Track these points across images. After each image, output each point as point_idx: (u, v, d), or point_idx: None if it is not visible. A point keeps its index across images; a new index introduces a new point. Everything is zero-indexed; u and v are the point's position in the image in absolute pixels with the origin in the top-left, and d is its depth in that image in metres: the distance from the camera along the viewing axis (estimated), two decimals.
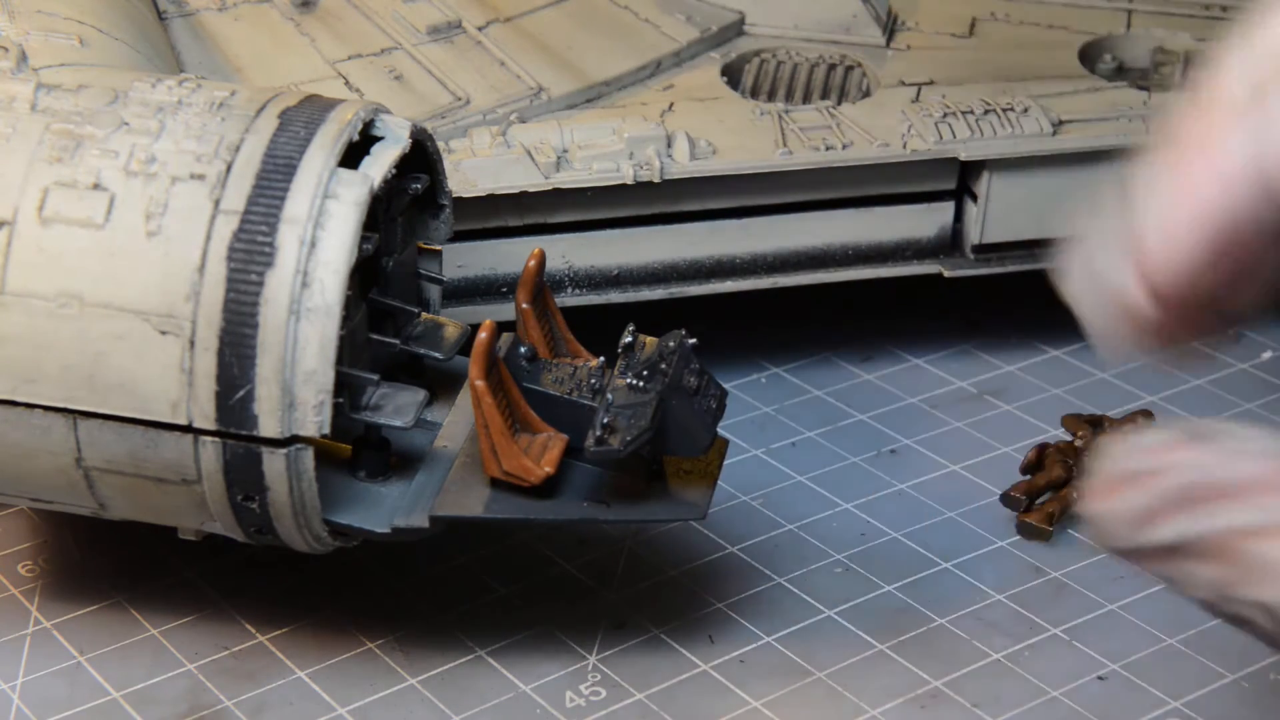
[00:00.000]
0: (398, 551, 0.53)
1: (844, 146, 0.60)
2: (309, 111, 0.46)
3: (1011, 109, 0.61)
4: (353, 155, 0.46)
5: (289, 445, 0.44)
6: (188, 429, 0.44)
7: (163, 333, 0.44)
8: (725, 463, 0.49)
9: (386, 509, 0.47)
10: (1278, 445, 0.27)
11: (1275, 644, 0.27)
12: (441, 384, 0.51)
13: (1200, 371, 0.64)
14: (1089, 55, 0.67)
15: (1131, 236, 0.29)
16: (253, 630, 0.51)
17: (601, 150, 0.58)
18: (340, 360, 0.44)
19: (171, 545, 0.52)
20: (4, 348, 0.45)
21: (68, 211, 0.44)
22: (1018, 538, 0.55)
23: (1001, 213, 0.62)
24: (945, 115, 0.61)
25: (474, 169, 0.57)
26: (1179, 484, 0.27)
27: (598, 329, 0.52)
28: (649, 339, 0.49)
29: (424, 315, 0.51)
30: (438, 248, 0.52)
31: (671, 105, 0.62)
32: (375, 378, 0.47)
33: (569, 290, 0.60)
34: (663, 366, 0.47)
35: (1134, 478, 0.28)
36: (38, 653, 0.50)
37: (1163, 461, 0.28)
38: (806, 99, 0.64)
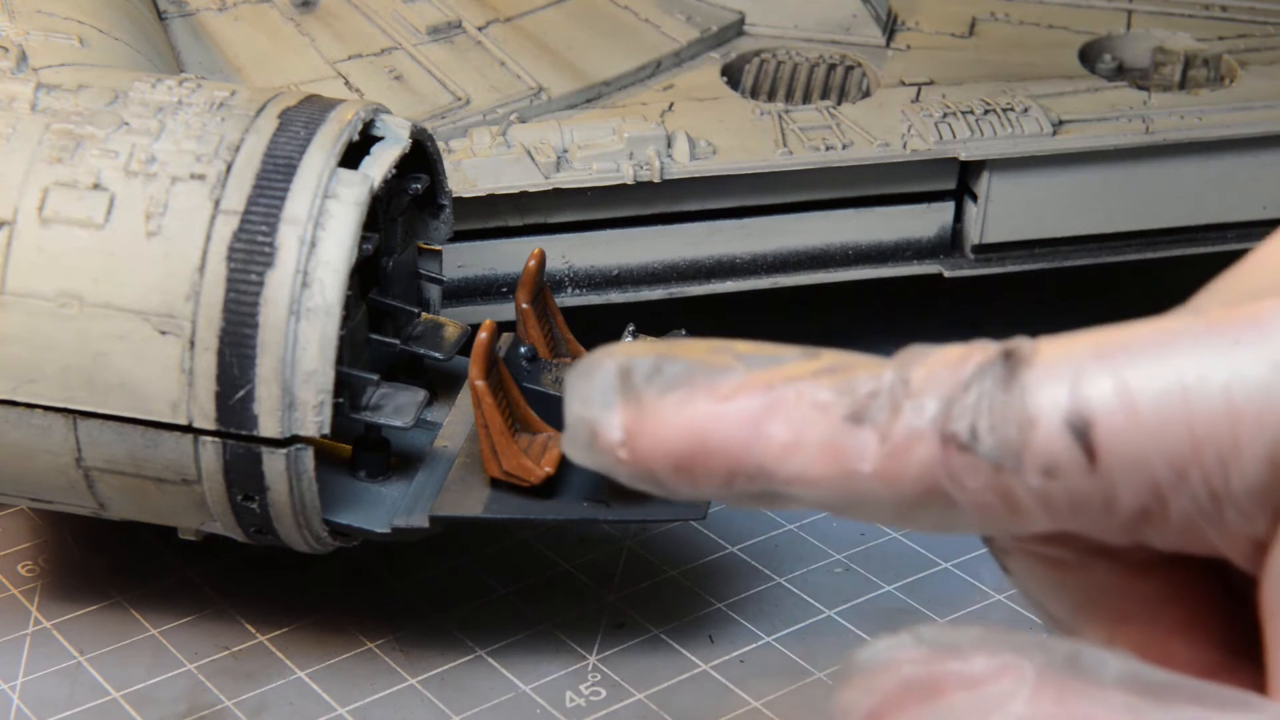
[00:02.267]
0: (398, 551, 0.53)
1: (844, 146, 0.60)
2: (309, 111, 0.46)
3: (1011, 109, 0.61)
4: (353, 155, 0.46)
5: (289, 445, 0.44)
6: (188, 429, 0.44)
7: (163, 333, 0.44)
8: None
9: (386, 509, 0.47)
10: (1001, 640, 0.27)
11: None
12: (441, 384, 0.51)
13: None
14: (1089, 55, 0.67)
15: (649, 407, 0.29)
16: (253, 630, 0.51)
17: (601, 150, 0.58)
18: (340, 360, 0.44)
19: (171, 545, 0.52)
20: (4, 348, 0.45)
21: (68, 211, 0.44)
22: None
23: (1001, 213, 0.62)
24: (945, 115, 0.61)
25: (474, 169, 0.57)
26: (903, 682, 0.27)
27: (598, 329, 0.52)
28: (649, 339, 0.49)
29: (424, 315, 0.51)
30: (438, 248, 0.52)
31: (671, 105, 0.62)
32: (375, 378, 0.47)
33: (569, 290, 0.60)
34: None
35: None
36: (38, 653, 0.50)
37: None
38: (806, 99, 0.64)
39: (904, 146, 0.60)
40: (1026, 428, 0.26)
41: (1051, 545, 0.28)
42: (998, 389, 0.26)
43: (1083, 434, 0.26)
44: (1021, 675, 0.25)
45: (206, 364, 0.44)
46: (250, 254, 0.44)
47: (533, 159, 0.58)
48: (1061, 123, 0.61)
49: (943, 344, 0.27)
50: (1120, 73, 0.67)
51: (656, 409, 0.28)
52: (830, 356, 0.28)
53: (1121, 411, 0.25)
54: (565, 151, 0.58)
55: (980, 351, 0.27)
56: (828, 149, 0.60)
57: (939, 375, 0.27)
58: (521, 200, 0.58)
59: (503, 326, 0.47)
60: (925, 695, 0.26)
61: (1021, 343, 0.27)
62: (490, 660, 0.50)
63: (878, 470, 0.27)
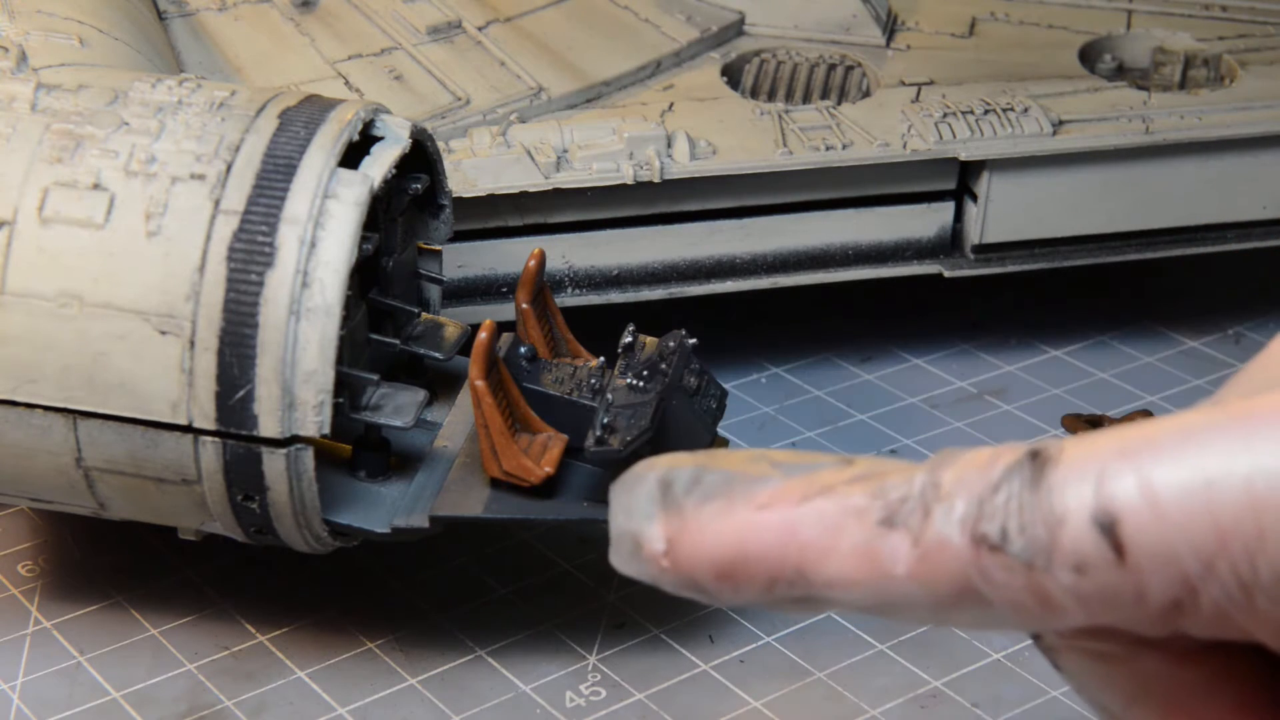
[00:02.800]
0: (398, 551, 0.53)
1: (844, 146, 0.60)
2: (309, 111, 0.46)
3: (1011, 109, 0.61)
4: (353, 155, 0.46)
5: (289, 445, 0.44)
6: (188, 429, 0.44)
7: (163, 333, 0.44)
8: None
9: (386, 509, 0.47)
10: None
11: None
12: (441, 384, 0.51)
13: (1200, 372, 0.64)
14: (1089, 55, 0.67)
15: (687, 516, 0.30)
16: (253, 630, 0.51)
17: (601, 150, 0.58)
18: (340, 360, 0.44)
19: (171, 545, 0.52)
20: (4, 348, 0.45)
21: (68, 211, 0.44)
22: None
23: (1001, 213, 0.62)
24: (945, 115, 0.61)
25: (474, 169, 0.57)
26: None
27: (598, 329, 0.52)
28: (649, 339, 0.49)
29: (424, 315, 0.51)
30: (438, 248, 0.52)
31: (671, 105, 0.62)
32: (375, 378, 0.47)
33: (569, 290, 0.60)
34: (663, 366, 0.47)
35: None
36: (38, 653, 0.50)
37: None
38: (806, 99, 0.64)
39: (904, 146, 0.60)
40: (1055, 526, 0.27)
41: (1097, 640, 0.29)
42: (1026, 490, 0.27)
43: (1110, 530, 0.26)
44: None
45: (206, 364, 0.44)
46: (250, 254, 0.44)
47: (533, 159, 0.58)
48: (1061, 123, 0.61)
49: (972, 447, 0.29)
50: (1120, 73, 0.67)
51: (697, 519, 0.29)
52: (864, 464, 0.29)
53: (1146, 507, 0.26)
54: (565, 151, 0.58)
55: (1009, 453, 0.28)
56: (828, 149, 0.60)
57: (968, 478, 0.28)
58: (521, 200, 0.58)
59: (503, 326, 0.47)
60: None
61: (1048, 444, 0.28)
62: (490, 660, 0.50)
63: (912, 572, 0.28)
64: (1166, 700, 0.29)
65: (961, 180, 0.62)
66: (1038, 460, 0.27)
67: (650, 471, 0.30)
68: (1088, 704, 0.30)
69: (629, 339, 0.48)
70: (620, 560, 0.31)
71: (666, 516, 0.30)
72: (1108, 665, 0.29)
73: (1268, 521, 0.25)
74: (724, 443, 0.49)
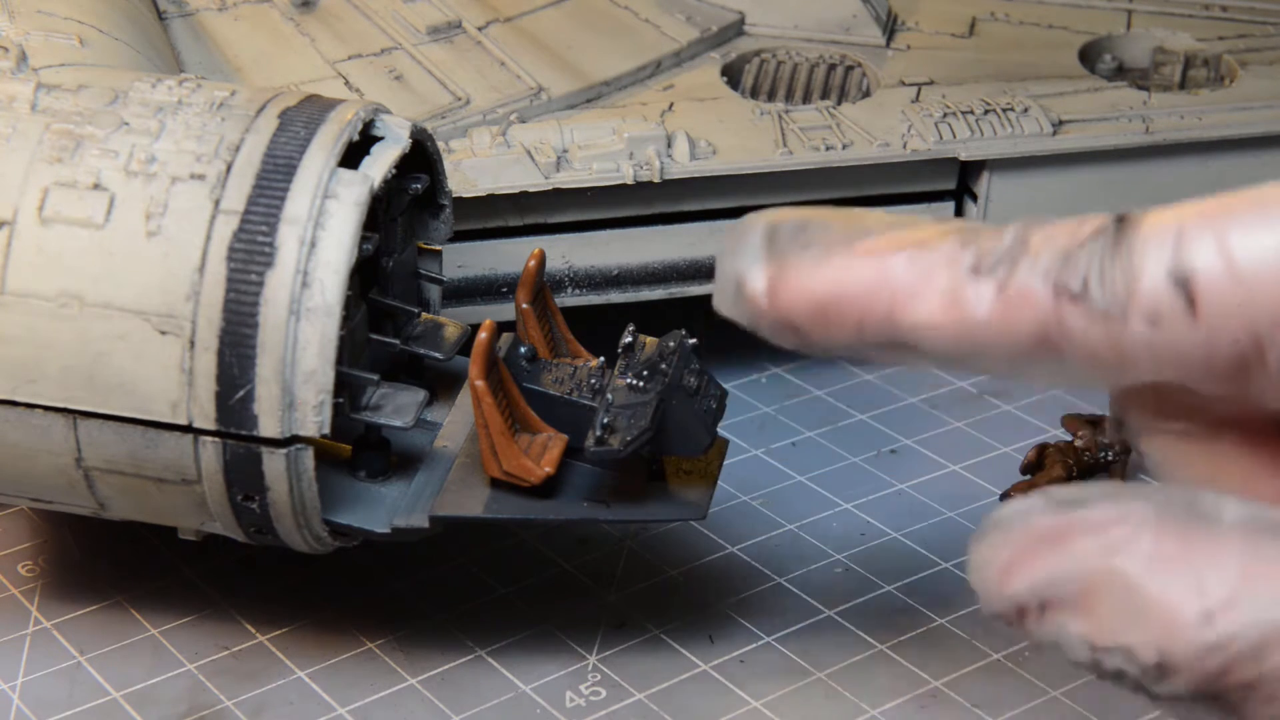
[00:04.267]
0: (398, 551, 0.53)
1: (844, 146, 0.60)
2: (309, 111, 0.46)
3: (1011, 109, 0.61)
4: (353, 155, 0.46)
5: (289, 445, 0.44)
6: (188, 429, 0.44)
7: (163, 333, 0.44)
8: (725, 463, 0.49)
9: (386, 509, 0.47)
10: (1124, 493, 0.29)
11: (1146, 695, 0.29)
12: (441, 384, 0.51)
13: None
14: (1089, 55, 0.67)
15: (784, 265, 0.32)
16: (253, 630, 0.51)
17: (601, 150, 0.58)
18: (340, 360, 0.44)
19: (171, 545, 0.52)
20: (4, 348, 0.45)
21: (68, 211, 0.44)
22: None
23: (1001, 213, 0.62)
24: (945, 115, 0.61)
25: (474, 169, 0.57)
26: (1034, 533, 0.29)
27: (598, 329, 0.52)
28: (649, 339, 0.49)
29: (424, 315, 0.51)
30: (438, 248, 0.52)
31: (671, 105, 0.62)
32: (375, 378, 0.47)
33: (569, 290, 0.60)
34: (663, 366, 0.47)
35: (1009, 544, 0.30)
36: (38, 653, 0.50)
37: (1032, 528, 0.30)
38: (806, 99, 0.64)
39: (904, 146, 0.60)
40: (1133, 279, 0.28)
41: (1180, 420, 0.30)
42: (1109, 247, 0.28)
43: (1185, 285, 0.28)
44: (1144, 519, 0.27)
45: (206, 364, 0.44)
46: (250, 254, 0.44)
47: (533, 159, 0.58)
48: (1061, 123, 0.61)
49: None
50: (1120, 73, 0.67)
51: (798, 263, 0.31)
52: (959, 222, 0.30)
53: (1220, 264, 0.27)
54: (565, 151, 0.58)
55: (1096, 219, 0.29)
56: (828, 149, 0.60)
57: (1055, 237, 0.29)
58: (521, 200, 0.58)
59: (503, 326, 0.47)
60: (1055, 543, 0.28)
61: (1133, 211, 0.29)
62: (490, 660, 0.50)
63: (995, 317, 0.29)
64: (1244, 476, 0.30)
65: (961, 180, 0.62)
66: (1123, 223, 0.29)
67: (759, 219, 0.31)
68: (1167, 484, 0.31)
69: (629, 339, 0.48)
70: (723, 302, 0.32)
71: (770, 259, 0.31)
72: (1189, 444, 0.30)
73: None
74: (724, 443, 0.49)
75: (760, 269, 0.31)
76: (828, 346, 0.31)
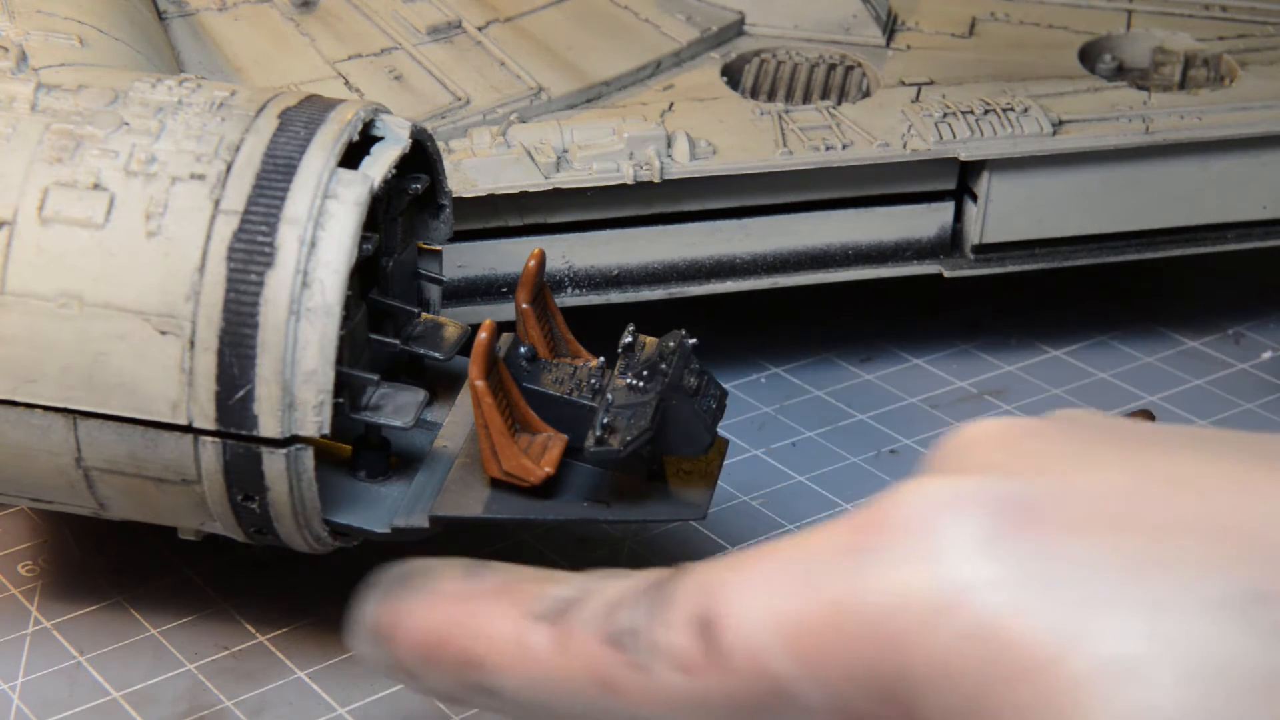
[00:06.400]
0: (398, 551, 0.53)
1: (844, 146, 0.60)
2: (309, 111, 0.46)
3: (1011, 109, 0.61)
4: (353, 155, 0.46)
5: (289, 445, 0.44)
6: (188, 429, 0.44)
7: (163, 333, 0.44)
8: (725, 463, 0.49)
9: (386, 509, 0.47)
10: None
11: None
12: (441, 384, 0.51)
13: (1200, 372, 0.64)
14: (1089, 55, 0.67)
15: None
16: (253, 630, 0.51)
17: (601, 150, 0.58)
18: (340, 360, 0.44)
19: (171, 545, 0.52)
20: (4, 348, 0.45)
21: (68, 211, 0.44)
22: None
23: (1001, 213, 0.62)
24: (945, 115, 0.61)
25: (474, 169, 0.57)
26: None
27: (598, 329, 0.52)
28: (649, 339, 0.49)
29: (424, 315, 0.51)
30: (438, 248, 0.52)
31: (671, 105, 0.62)
32: (375, 378, 0.47)
33: (569, 290, 0.60)
34: (663, 366, 0.47)
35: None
36: (38, 653, 0.50)
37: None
38: (806, 99, 0.64)
39: (904, 146, 0.60)
40: (665, 629, 0.29)
41: None
42: (654, 598, 0.30)
43: (707, 631, 0.29)
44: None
45: (206, 364, 0.44)
46: (250, 254, 0.44)
47: (533, 159, 0.58)
48: (1061, 123, 0.61)
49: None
50: (1120, 73, 0.67)
51: (408, 606, 0.34)
52: (565, 575, 0.32)
53: (739, 612, 0.28)
54: (565, 151, 0.58)
55: (657, 574, 0.30)
56: (828, 149, 0.60)
57: (614, 588, 0.31)
58: (521, 200, 0.58)
59: (503, 326, 0.47)
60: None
61: (689, 565, 0.30)
62: None
63: (551, 665, 0.30)
64: None
65: (961, 180, 0.62)
66: (672, 575, 0.30)
67: (389, 567, 0.35)
68: None
69: (629, 339, 0.48)
70: (360, 647, 0.36)
71: (385, 601, 0.35)
72: None
73: (845, 634, 0.27)
74: (724, 443, 0.49)
75: (377, 611, 0.34)
76: (440, 691, 0.33)
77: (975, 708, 0.26)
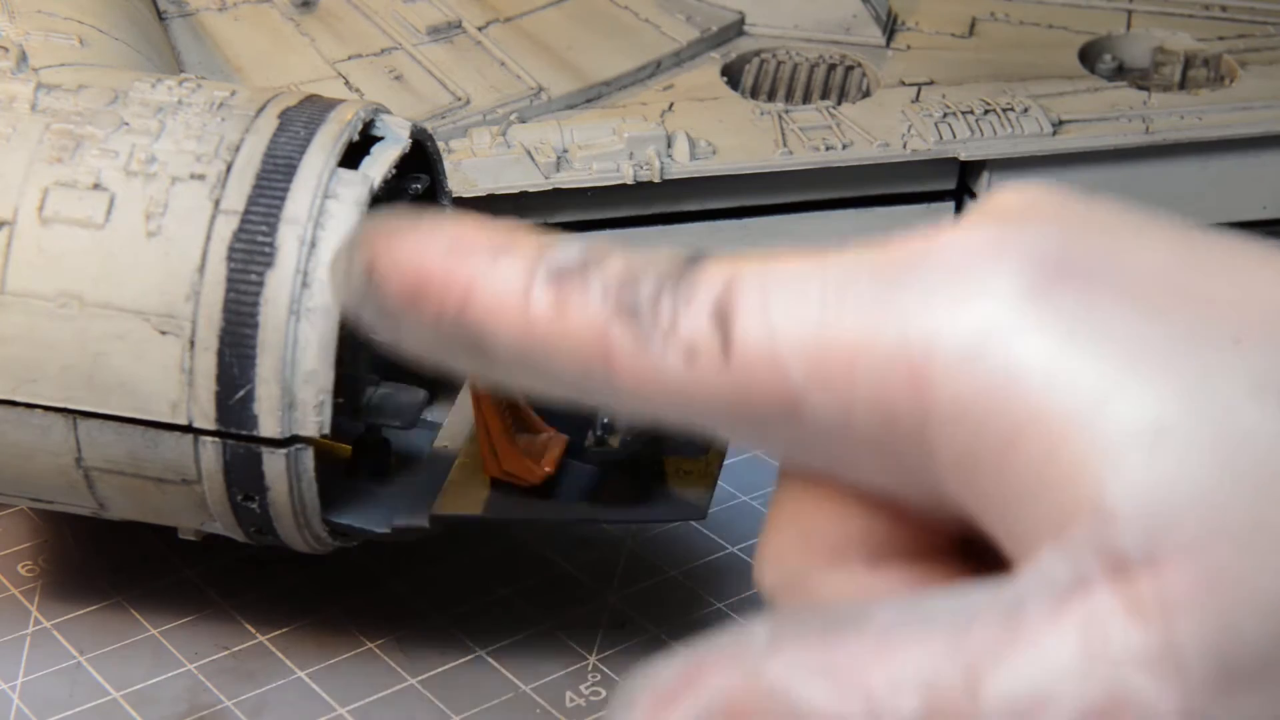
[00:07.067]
0: (398, 551, 0.53)
1: (844, 146, 0.60)
2: (309, 111, 0.46)
3: (1011, 109, 0.61)
4: (353, 155, 0.46)
5: (289, 445, 0.44)
6: (188, 429, 0.44)
7: (163, 333, 0.44)
8: (725, 463, 0.49)
9: (386, 509, 0.47)
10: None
11: None
12: (441, 384, 0.51)
13: None
14: (1089, 55, 0.67)
15: None
16: (253, 630, 0.51)
17: (601, 150, 0.58)
18: (340, 360, 0.44)
19: (171, 545, 0.52)
20: (4, 348, 0.45)
21: (68, 211, 0.44)
22: None
23: None
24: (945, 115, 0.61)
25: (474, 169, 0.57)
26: (664, 684, 0.29)
27: None
28: None
29: None
30: None
31: (671, 105, 0.62)
32: (375, 378, 0.47)
33: None
34: None
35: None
36: (38, 653, 0.50)
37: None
38: (806, 99, 0.64)
39: (904, 146, 0.60)
40: (680, 313, 0.27)
41: (834, 561, 0.29)
42: (673, 278, 0.27)
43: (723, 328, 0.27)
44: (773, 634, 0.28)
45: (206, 364, 0.44)
46: (250, 254, 0.44)
47: (533, 159, 0.58)
48: (1061, 123, 0.61)
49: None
50: (1120, 73, 0.67)
51: (398, 237, 0.29)
52: (563, 236, 0.29)
53: (758, 317, 0.26)
54: (565, 151, 0.58)
55: (678, 253, 0.28)
56: (828, 149, 0.60)
57: (632, 260, 0.28)
58: (521, 200, 0.58)
59: None
60: (689, 685, 0.29)
61: (712, 251, 0.28)
62: (490, 660, 0.50)
63: (551, 323, 0.28)
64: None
65: (961, 180, 0.62)
66: (694, 260, 0.28)
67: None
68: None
69: None
70: (335, 281, 0.30)
71: (375, 233, 0.30)
72: (850, 590, 0.29)
73: (861, 361, 0.26)
74: (724, 443, 0.49)
75: (365, 237, 0.30)
76: (414, 339, 0.29)
77: (991, 457, 0.25)
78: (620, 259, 0.28)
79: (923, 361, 0.25)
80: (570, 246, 0.28)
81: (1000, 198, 0.28)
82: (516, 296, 0.28)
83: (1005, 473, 0.25)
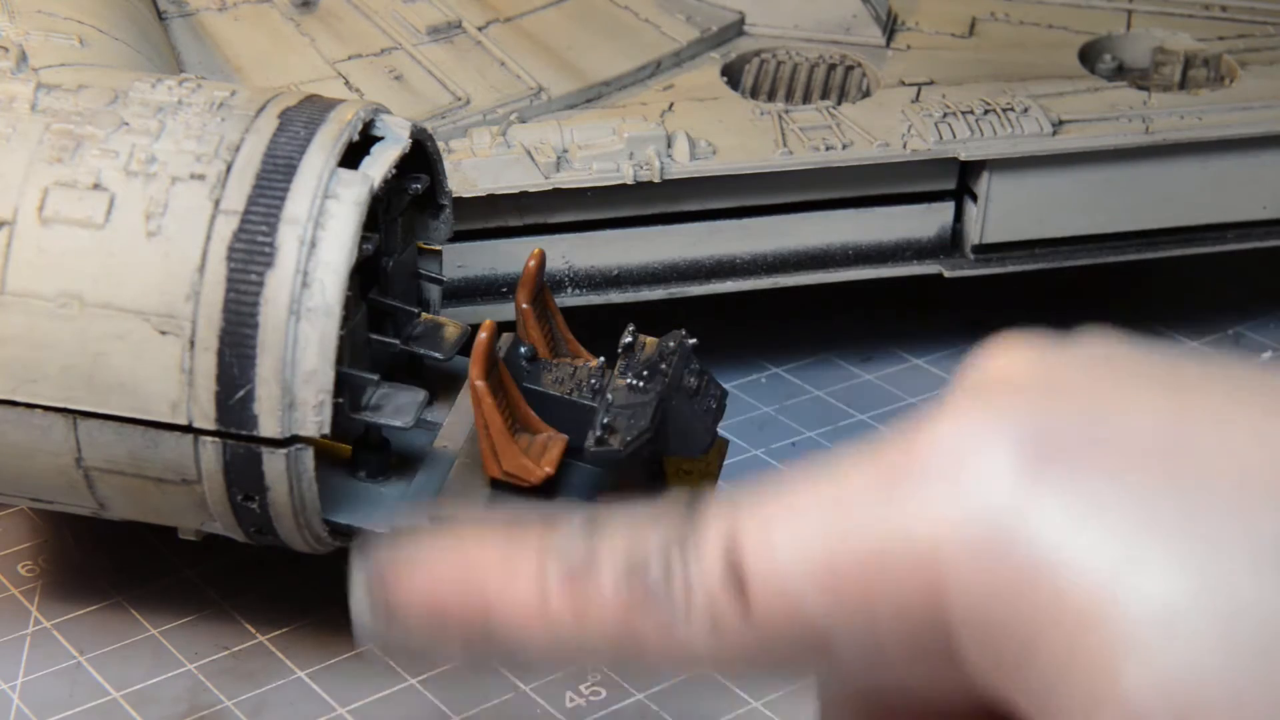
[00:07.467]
0: None
1: (844, 146, 0.60)
2: (309, 111, 0.46)
3: (1011, 109, 0.61)
4: (353, 155, 0.46)
5: (289, 445, 0.44)
6: (188, 429, 0.44)
7: (163, 333, 0.44)
8: (725, 463, 0.49)
9: (386, 509, 0.47)
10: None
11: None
12: (441, 384, 0.51)
13: None
14: (1089, 55, 0.67)
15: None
16: (253, 630, 0.51)
17: (601, 150, 0.58)
18: (340, 360, 0.44)
19: (171, 545, 0.52)
20: (4, 348, 0.45)
21: (68, 211, 0.44)
22: None
23: (1001, 213, 0.62)
24: (945, 115, 0.61)
25: (474, 169, 0.57)
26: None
27: (598, 329, 0.52)
28: (649, 339, 0.49)
29: (424, 315, 0.51)
30: (438, 248, 0.52)
31: (671, 105, 0.62)
32: (375, 378, 0.47)
33: (569, 290, 0.60)
34: (663, 366, 0.47)
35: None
36: (38, 653, 0.50)
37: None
38: (806, 99, 0.64)
39: (904, 146, 0.60)
40: (694, 584, 0.27)
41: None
42: (679, 539, 0.28)
43: (738, 585, 0.27)
44: None
45: (206, 364, 0.44)
46: (250, 254, 0.44)
47: (533, 159, 0.58)
48: (1061, 123, 0.61)
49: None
50: (1120, 73, 0.67)
51: (410, 558, 0.31)
52: (567, 517, 0.30)
53: (766, 567, 0.27)
54: (565, 151, 0.58)
55: (666, 515, 0.28)
56: (828, 149, 0.60)
57: (636, 534, 0.29)
58: (521, 200, 0.58)
59: (503, 326, 0.47)
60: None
61: (705, 505, 0.28)
62: None
63: (574, 616, 0.28)
64: None
65: (961, 180, 0.62)
66: (694, 514, 0.28)
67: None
68: None
69: (629, 339, 0.48)
70: (361, 622, 0.33)
71: (385, 558, 0.32)
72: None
73: (875, 580, 0.26)
74: (724, 443, 0.49)
75: (379, 578, 0.32)
76: (447, 658, 0.31)
77: (1012, 658, 0.25)
78: (623, 534, 0.28)
79: (932, 565, 0.26)
80: (572, 532, 0.29)
81: (980, 368, 0.28)
82: (535, 607, 0.29)
83: (1030, 670, 0.25)
